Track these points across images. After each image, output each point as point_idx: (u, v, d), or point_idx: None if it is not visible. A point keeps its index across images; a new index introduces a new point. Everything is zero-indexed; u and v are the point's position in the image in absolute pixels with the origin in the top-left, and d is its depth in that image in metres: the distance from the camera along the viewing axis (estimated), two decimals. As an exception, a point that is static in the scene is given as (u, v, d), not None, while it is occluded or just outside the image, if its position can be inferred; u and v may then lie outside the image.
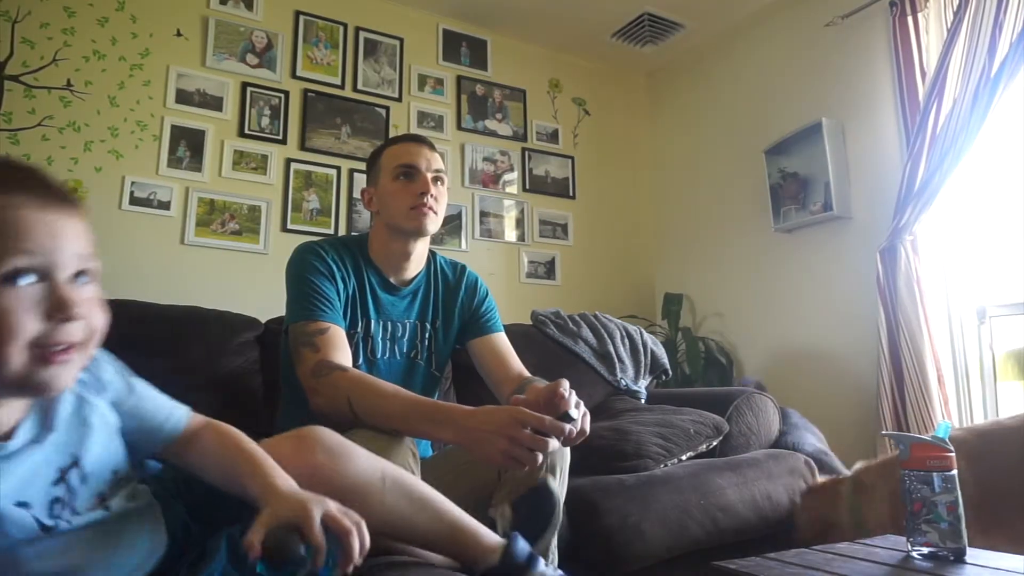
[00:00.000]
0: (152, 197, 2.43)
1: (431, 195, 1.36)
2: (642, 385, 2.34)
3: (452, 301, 1.46)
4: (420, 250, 1.43)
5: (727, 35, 3.26)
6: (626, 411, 2.06)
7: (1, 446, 0.64)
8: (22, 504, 0.65)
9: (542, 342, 2.27)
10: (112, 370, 0.78)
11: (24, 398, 0.66)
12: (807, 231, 2.79)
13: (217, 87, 2.60)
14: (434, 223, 1.38)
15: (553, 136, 3.36)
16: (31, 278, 0.59)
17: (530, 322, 2.36)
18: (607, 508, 1.50)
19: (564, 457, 1.20)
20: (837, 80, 2.73)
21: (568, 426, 1.02)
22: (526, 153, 3.26)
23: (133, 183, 2.40)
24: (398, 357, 1.39)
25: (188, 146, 2.51)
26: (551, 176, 3.32)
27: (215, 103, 2.59)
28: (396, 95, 2.98)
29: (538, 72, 3.39)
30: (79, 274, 0.63)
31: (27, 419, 0.67)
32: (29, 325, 0.58)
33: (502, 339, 1.46)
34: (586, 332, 2.34)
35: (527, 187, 3.23)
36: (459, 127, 3.11)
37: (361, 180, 2.80)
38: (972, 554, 1.04)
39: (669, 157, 3.56)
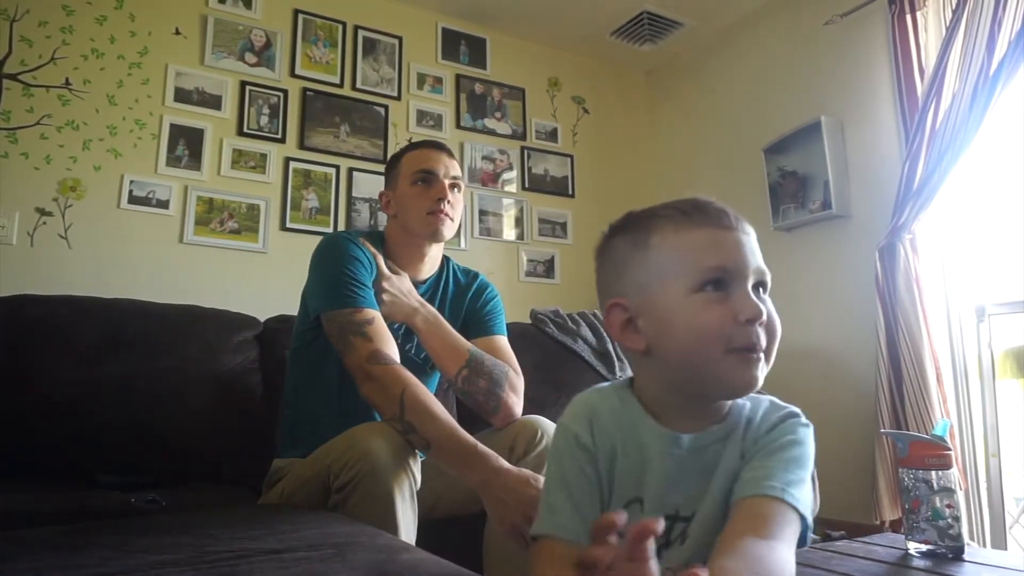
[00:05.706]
0: (151, 196, 2.42)
1: (447, 201, 1.39)
2: (641, 383, 2.34)
3: (460, 303, 1.49)
4: (434, 254, 1.46)
5: (726, 33, 3.26)
6: (625, 409, 2.06)
7: (679, 438, 0.69)
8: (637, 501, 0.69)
9: (541, 341, 2.27)
10: (793, 432, 0.70)
11: (709, 401, 0.71)
12: (806, 230, 2.79)
13: (216, 86, 2.60)
14: (450, 229, 1.42)
15: (552, 134, 3.36)
16: (723, 286, 0.67)
17: (529, 321, 2.36)
18: (606, 506, 1.50)
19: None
20: (836, 78, 2.73)
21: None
22: (525, 152, 3.26)
23: (132, 182, 2.40)
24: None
25: (187, 145, 2.51)
26: (550, 174, 3.31)
27: (214, 102, 2.59)
28: (395, 94, 2.97)
29: (537, 70, 3.38)
30: (757, 286, 0.69)
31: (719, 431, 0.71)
32: (724, 327, 0.65)
33: (501, 341, 1.46)
34: (585, 331, 2.34)
35: (526, 185, 3.23)
36: (458, 126, 3.11)
37: (360, 179, 2.80)
38: (971, 552, 1.04)
39: (668, 155, 3.56)
